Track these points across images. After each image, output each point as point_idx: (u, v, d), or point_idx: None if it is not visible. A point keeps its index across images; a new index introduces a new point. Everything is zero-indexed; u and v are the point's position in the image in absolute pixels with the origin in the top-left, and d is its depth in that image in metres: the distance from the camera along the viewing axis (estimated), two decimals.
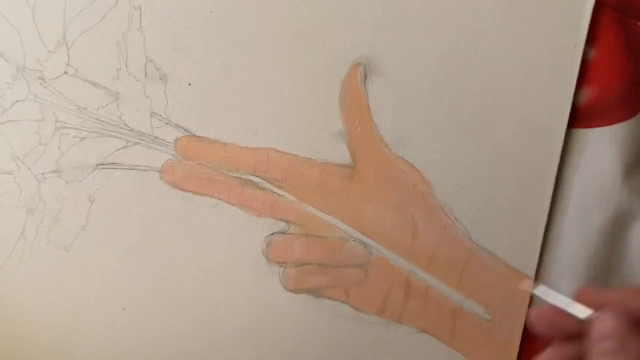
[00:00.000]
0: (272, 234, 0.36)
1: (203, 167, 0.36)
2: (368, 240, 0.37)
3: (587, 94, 0.37)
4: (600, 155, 0.37)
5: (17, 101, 0.36)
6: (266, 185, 0.36)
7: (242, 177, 0.36)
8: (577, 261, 0.37)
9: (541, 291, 0.27)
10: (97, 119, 0.36)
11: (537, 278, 0.37)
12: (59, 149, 0.36)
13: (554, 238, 0.37)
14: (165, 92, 0.36)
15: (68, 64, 0.36)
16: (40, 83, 0.36)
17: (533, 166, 0.37)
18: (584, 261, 0.37)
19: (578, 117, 0.37)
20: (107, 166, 0.36)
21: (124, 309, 0.36)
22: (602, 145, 0.37)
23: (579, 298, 0.25)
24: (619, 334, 0.22)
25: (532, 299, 0.37)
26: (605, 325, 0.23)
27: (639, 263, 0.37)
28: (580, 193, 0.37)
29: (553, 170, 0.37)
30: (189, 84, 0.36)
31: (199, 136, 0.36)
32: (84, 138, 0.36)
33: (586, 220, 0.37)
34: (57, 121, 0.36)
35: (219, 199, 0.36)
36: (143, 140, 0.36)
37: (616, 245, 0.37)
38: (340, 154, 0.36)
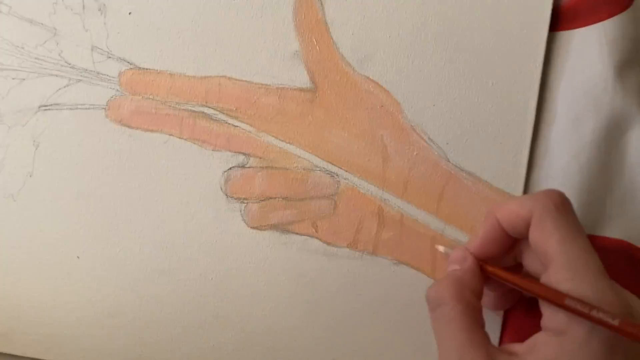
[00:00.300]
0: (230, 168, 0.34)
1: (150, 102, 0.34)
2: (334, 169, 0.34)
3: None
4: (588, 57, 0.33)
5: None
6: (220, 116, 0.34)
7: (193, 109, 0.34)
8: (569, 176, 0.33)
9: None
10: (36, 58, 0.34)
11: None
12: None
13: (542, 152, 0.33)
14: (105, 23, 0.34)
15: (1, 2, 0.34)
16: None
17: (513, 76, 0.33)
18: (577, 175, 0.33)
19: (561, 19, 0.33)
20: (50, 107, 0.34)
21: (78, 257, 0.34)
22: (590, 45, 0.33)
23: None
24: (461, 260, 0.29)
25: None
26: (455, 254, 0.30)
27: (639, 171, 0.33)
28: (568, 101, 0.33)
29: (536, 78, 0.33)
30: (130, 13, 0.33)
31: (143, 68, 0.34)
32: (23, 79, 0.34)
33: (577, 130, 0.33)
34: None
35: (171, 135, 0.34)
36: (85, 77, 0.34)
37: (612, 154, 0.33)
38: (299, 76, 0.33)
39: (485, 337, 0.26)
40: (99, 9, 0.34)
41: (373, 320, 0.33)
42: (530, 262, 0.29)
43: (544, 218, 0.26)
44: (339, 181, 0.34)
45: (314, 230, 0.34)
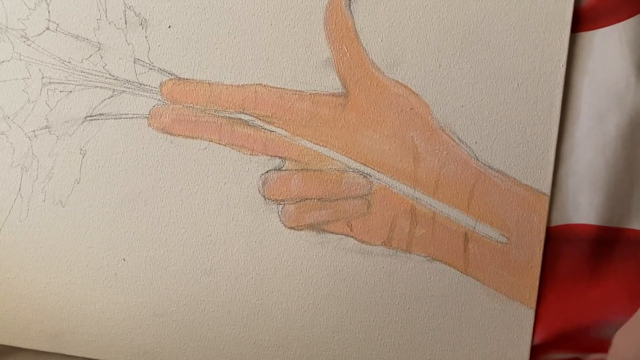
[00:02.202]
0: (268, 171, 0.35)
1: (190, 110, 0.35)
2: (367, 170, 0.35)
3: None
4: (610, 56, 0.34)
5: (2, 62, 0.36)
6: (257, 122, 0.35)
7: (231, 116, 0.35)
8: (595, 171, 0.34)
9: None
10: (82, 72, 0.36)
11: (554, 192, 0.34)
12: (47, 104, 0.36)
13: (568, 149, 0.35)
14: (146, 37, 0.35)
15: (49, 20, 0.36)
16: (24, 41, 0.36)
17: (538, 77, 0.34)
18: (603, 170, 0.34)
19: (582, 20, 0.35)
20: (96, 117, 0.36)
21: (124, 259, 0.35)
22: (611, 45, 0.34)
23: None
24: None
25: (550, 216, 0.34)
26: None
27: None
28: (592, 99, 0.34)
29: (560, 78, 0.34)
30: (169, 27, 0.35)
31: (183, 78, 0.35)
32: (70, 92, 0.36)
33: (601, 127, 0.34)
34: (43, 77, 0.36)
35: (210, 141, 0.35)
36: (128, 88, 0.35)
37: (637, 148, 0.34)
38: (331, 82, 0.35)
39: None
40: (140, 24, 0.35)
41: (408, 315, 0.35)
42: None
43: None
44: (371, 181, 0.35)
45: (348, 229, 0.35)
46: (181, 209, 0.35)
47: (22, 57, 0.36)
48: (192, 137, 0.35)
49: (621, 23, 0.34)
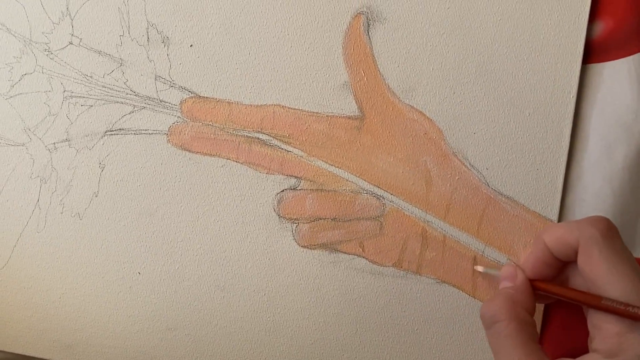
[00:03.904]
0: (283, 190, 0.36)
1: (209, 128, 0.36)
2: (381, 192, 0.36)
3: (601, 27, 0.35)
4: (620, 88, 0.35)
5: (25, 74, 0.36)
6: (274, 142, 0.36)
7: (249, 135, 0.36)
8: (602, 200, 0.35)
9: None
10: (103, 86, 0.36)
11: (561, 220, 0.35)
12: (68, 118, 0.36)
13: (576, 178, 0.35)
14: (168, 55, 0.36)
15: (72, 35, 0.36)
16: (47, 55, 0.36)
17: (548, 107, 0.35)
18: (610, 199, 0.35)
19: (593, 52, 0.36)
20: (116, 132, 0.36)
21: (139, 273, 0.36)
22: (621, 77, 0.35)
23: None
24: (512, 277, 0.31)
25: None
26: (506, 271, 0.32)
27: None
28: (601, 129, 0.35)
29: (570, 108, 0.35)
30: (191, 45, 0.36)
31: (203, 97, 0.36)
32: (91, 106, 0.36)
33: (609, 157, 0.35)
34: (64, 91, 0.36)
35: (227, 159, 0.36)
36: (149, 104, 0.36)
37: None
38: (348, 105, 0.36)
39: (540, 351, 0.28)
40: (163, 41, 0.36)
41: (416, 336, 0.35)
42: (579, 285, 0.30)
43: (591, 246, 0.27)
44: (384, 204, 0.36)
45: (361, 249, 0.36)
46: (197, 225, 0.36)
47: (44, 70, 0.36)
48: (210, 155, 0.36)
49: (631, 56, 0.35)
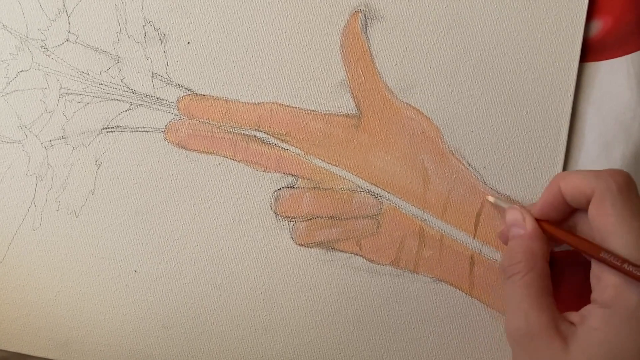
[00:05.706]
0: (280, 188, 0.36)
1: (206, 125, 0.36)
2: (378, 190, 0.36)
3: (599, 25, 0.35)
4: (617, 87, 0.35)
5: (21, 71, 0.36)
6: (271, 140, 0.36)
7: (246, 133, 0.36)
8: None
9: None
10: (99, 84, 0.36)
11: None
12: (64, 115, 0.36)
13: None
14: (165, 52, 0.36)
15: (69, 31, 0.36)
16: (43, 52, 0.36)
17: (546, 105, 0.35)
18: None
19: (590, 51, 0.36)
20: (112, 130, 0.36)
21: (135, 271, 0.36)
22: (618, 75, 0.35)
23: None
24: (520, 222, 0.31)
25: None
26: (513, 215, 0.32)
27: None
28: (598, 128, 0.35)
29: (568, 107, 0.35)
30: (188, 43, 0.36)
31: (200, 94, 0.36)
32: (88, 103, 0.36)
33: (607, 155, 0.35)
34: (61, 88, 0.36)
35: (224, 157, 0.36)
36: (146, 101, 0.36)
37: None
38: (345, 103, 0.36)
39: (552, 302, 0.29)
40: (160, 39, 0.36)
41: (413, 334, 0.35)
42: (586, 234, 0.30)
43: (605, 197, 0.27)
44: (382, 202, 0.36)
45: (358, 248, 0.36)
46: (193, 223, 0.36)
47: (40, 67, 0.36)
48: (207, 153, 0.36)
49: (629, 55, 0.35)
